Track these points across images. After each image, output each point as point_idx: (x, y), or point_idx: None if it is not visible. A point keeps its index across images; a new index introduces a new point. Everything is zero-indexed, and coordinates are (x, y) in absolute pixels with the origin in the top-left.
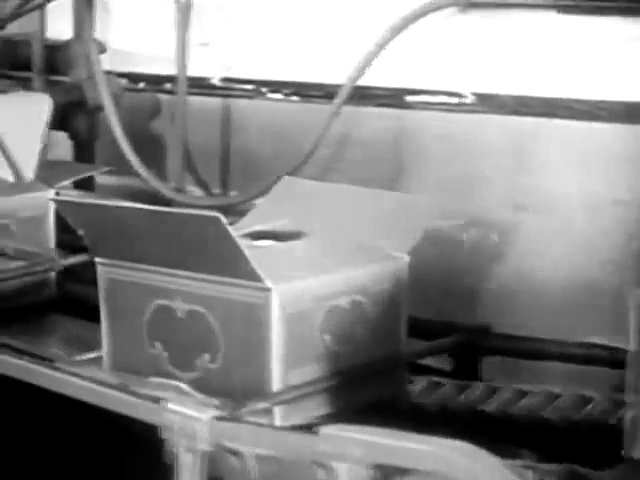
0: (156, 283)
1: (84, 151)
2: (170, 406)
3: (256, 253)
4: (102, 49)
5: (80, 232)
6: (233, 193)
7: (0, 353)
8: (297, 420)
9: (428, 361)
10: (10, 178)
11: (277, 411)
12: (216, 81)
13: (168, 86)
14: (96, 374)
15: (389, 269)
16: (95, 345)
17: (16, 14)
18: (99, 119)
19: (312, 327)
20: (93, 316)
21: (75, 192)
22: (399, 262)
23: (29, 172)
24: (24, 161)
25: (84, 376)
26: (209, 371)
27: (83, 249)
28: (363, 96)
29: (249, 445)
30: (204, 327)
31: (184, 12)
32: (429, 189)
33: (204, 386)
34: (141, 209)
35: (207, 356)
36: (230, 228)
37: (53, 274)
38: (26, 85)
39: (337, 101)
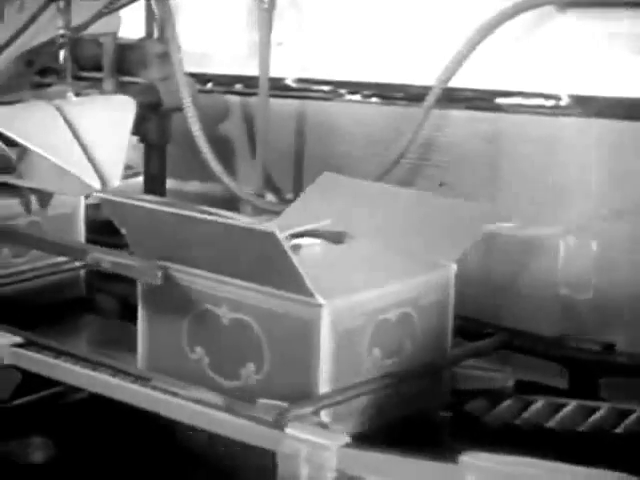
0: (201, 288)
1: (155, 155)
2: (293, 433)
3: (304, 261)
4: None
5: (122, 231)
6: None
7: (83, 367)
8: (344, 429)
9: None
10: (97, 186)
11: (324, 416)
12: (291, 82)
13: (238, 87)
14: (199, 394)
15: (437, 279)
16: (127, 345)
17: (98, 15)
18: (171, 122)
19: (361, 342)
20: (123, 315)
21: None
22: (447, 271)
23: (115, 180)
24: (110, 168)
25: (186, 396)
26: (253, 381)
27: (112, 246)
28: (450, 98)
29: (379, 474)
30: (249, 337)
31: (267, 12)
32: (523, 195)
33: (246, 396)
34: (195, 218)
35: (252, 366)
36: (286, 244)
37: (82, 272)
38: (96, 86)
39: (427, 103)
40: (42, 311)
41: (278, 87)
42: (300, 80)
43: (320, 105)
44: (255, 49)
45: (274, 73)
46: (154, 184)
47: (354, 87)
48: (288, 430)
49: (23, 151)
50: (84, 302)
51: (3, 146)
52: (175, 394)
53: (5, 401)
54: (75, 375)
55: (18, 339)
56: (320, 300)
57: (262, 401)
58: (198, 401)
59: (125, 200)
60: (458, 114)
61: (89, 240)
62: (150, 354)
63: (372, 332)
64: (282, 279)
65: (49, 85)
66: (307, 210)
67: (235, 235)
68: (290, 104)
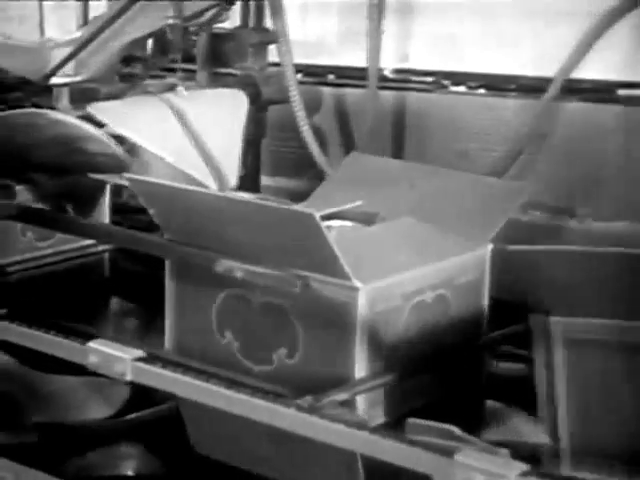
0: (232, 270)
1: (250, 150)
2: (466, 460)
3: (338, 243)
4: (273, 39)
5: (151, 211)
6: None
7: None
8: (380, 414)
9: None
10: (213, 185)
11: (359, 403)
12: (389, 72)
13: (331, 78)
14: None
15: (472, 259)
16: (154, 329)
17: (205, 9)
18: (267, 115)
19: (397, 324)
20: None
21: None
22: (482, 251)
23: (232, 178)
24: (226, 166)
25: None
26: (285, 366)
27: (136, 229)
28: (566, 90)
29: None
30: (282, 320)
31: (377, 6)
32: None
33: (279, 381)
34: (227, 197)
35: (284, 351)
36: (323, 227)
37: (107, 255)
38: (189, 78)
39: (549, 95)
40: (67, 295)
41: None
42: (399, 71)
43: (420, 97)
44: (346, 38)
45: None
46: (248, 180)
47: (460, 78)
48: (458, 457)
49: (132, 150)
50: (109, 285)
51: (114, 145)
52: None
53: (112, 417)
54: (205, 392)
55: (140, 353)
56: (357, 283)
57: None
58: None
59: (155, 180)
60: (572, 106)
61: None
62: (178, 338)
63: (408, 314)
64: (318, 262)
65: (134, 76)
66: (336, 192)
67: (269, 216)
68: (387, 96)
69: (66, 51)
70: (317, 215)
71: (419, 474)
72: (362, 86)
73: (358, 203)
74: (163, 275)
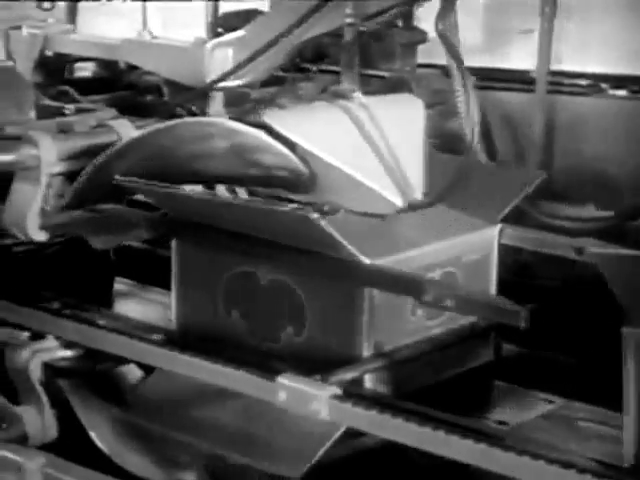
0: (238, 248)
1: None
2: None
3: (348, 222)
4: (423, 39)
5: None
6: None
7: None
8: (388, 391)
9: None
10: (396, 198)
11: (367, 381)
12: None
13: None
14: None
15: (481, 239)
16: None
17: (381, 12)
18: None
19: (405, 303)
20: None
21: None
22: (490, 231)
23: (417, 191)
24: (410, 176)
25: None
26: (292, 344)
27: None
28: None
29: None
30: (289, 298)
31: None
32: None
33: (287, 358)
34: (230, 203)
35: (291, 329)
36: (325, 226)
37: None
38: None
39: None
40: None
41: (524, 80)
42: (552, 73)
43: (574, 101)
44: (483, 38)
45: (519, 65)
46: None
47: (619, 81)
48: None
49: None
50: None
51: (296, 159)
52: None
53: None
54: (422, 436)
55: (335, 389)
56: (364, 260)
57: None
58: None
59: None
60: None
61: None
62: (184, 317)
63: None
64: (322, 243)
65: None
66: None
67: (270, 218)
68: (536, 99)
69: (226, 52)
70: (314, 216)
71: None
72: (512, 89)
73: None
74: None
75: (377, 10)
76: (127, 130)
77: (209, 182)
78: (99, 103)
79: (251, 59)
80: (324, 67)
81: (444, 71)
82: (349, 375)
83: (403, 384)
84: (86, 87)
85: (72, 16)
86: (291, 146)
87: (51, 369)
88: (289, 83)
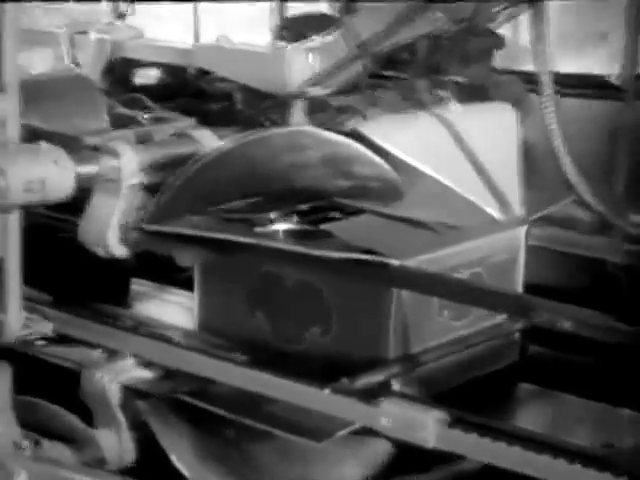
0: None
1: None
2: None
3: (374, 221)
4: (501, 44)
5: None
6: None
7: None
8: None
9: None
10: (495, 213)
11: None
12: (615, 79)
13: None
14: None
15: (507, 239)
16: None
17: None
18: None
19: (431, 302)
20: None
21: None
22: (517, 232)
23: (515, 205)
24: (508, 191)
25: None
26: (318, 345)
27: None
28: None
29: None
30: (315, 299)
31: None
32: None
33: (312, 360)
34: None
35: (317, 330)
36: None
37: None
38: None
39: None
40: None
41: (598, 85)
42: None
43: None
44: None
45: (592, 69)
46: None
47: None
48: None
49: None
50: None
51: (390, 170)
52: None
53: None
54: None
55: (443, 415)
56: (391, 261)
57: None
58: None
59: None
60: None
61: None
62: (207, 318)
63: None
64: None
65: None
66: None
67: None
68: (609, 106)
69: (309, 58)
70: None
71: None
72: (584, 95)
73: None
74: None
75: (469, 15)
76: (208, 140)
77: (297, 195)
78: (171, 111)
79: (340, 66)
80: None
81: (522, 77)
82: (376, 378)
83: (430, 386)
84: (151, 94)
85: (120, 20)
86: (384, 156)
87: (129, 390)
88: (366, 90)
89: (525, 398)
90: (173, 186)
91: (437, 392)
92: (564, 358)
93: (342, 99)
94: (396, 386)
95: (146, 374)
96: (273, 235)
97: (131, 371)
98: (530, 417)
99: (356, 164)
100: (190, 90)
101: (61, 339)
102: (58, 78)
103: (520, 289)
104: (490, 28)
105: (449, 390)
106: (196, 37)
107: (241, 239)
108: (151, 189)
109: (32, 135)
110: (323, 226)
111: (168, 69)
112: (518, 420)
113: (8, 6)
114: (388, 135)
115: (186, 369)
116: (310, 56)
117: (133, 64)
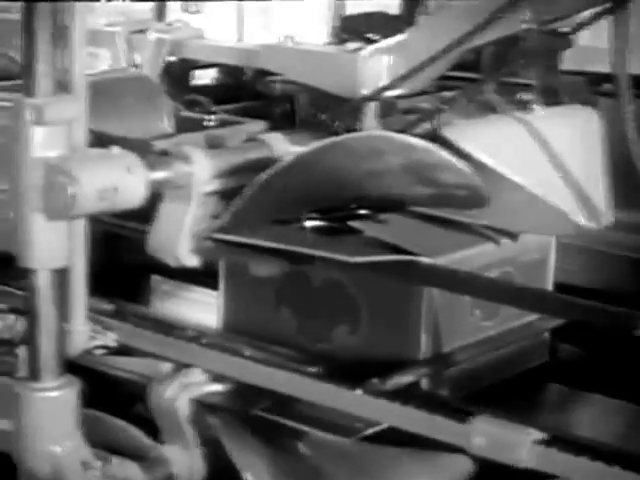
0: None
1: None
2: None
3: (408, 221)
4: (568, 44)
5: None
6: None
7: None
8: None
9: None
10: (583, 220)
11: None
12: None
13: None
14: None
15: (538, 239)
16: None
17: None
18: None
19: (462, 303)
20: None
21: None
22: None
23: (606, 212)
24: (595, 197)
25: None
26: (346, 344)
27: None
28: None
29: None
30: (343, 297)
31: None
32: None
33: (339, 359)
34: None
35: (345, 328)
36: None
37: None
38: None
39: None
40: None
41: None
42: None
43: None
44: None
45: None
46: None
47: None
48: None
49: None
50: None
51: (475, 176)
52: None
53: None
54: None
55: (539, 435)
56: (423, 259)
57: None
58: None
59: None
60: None
61: None
62: (232, 316)
63: None
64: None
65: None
66: None
67: None
68: None
69: (384, 60)
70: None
71: None
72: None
73: None
74: None
75: (558, 15)
76: (281, 145)
77: (374, 203)
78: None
79: (420, 68)
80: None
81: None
82: (406, 378)
83: (460, 387)
84: (208, 96)
85: (161, 17)
86: (469, 162)
87: (199, 404)
88: (432, 92)
89: (557, 399)
90: (247, 193)
91: (466, 394)
92: (596, 358)
93: (408, 101)
94: (425, 386)
95: (217, 387)
96: (301, 232)
97: (201, 384)
98: (568, 420)
99: (439, 170)
100: (247, 92)
101: (124, 351)
102: (120, 79)
103: (550, 288)
104: (555, 28)
105: (478, 391)
106: (240, 36)
107: (316, 252)
108: (223, 196)
109: (96, 139)
110: (352, 223)
111: (224, 70)
112: (559, 423)
113: (79, 5)
114: (473, 140)
115: (261, 384)
116: (385, 58)
117: (190, 64)
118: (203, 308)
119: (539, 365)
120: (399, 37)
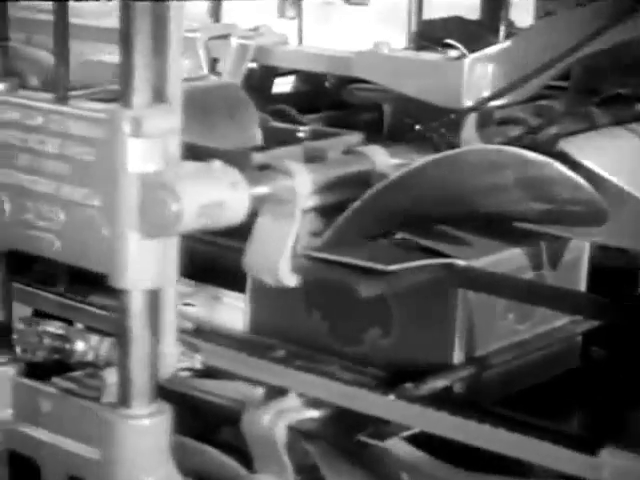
0: None
1: None
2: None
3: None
4: None
5: None
6: None
7: None
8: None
9: None
10: None
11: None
12: None
13: None
14: None
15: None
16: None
17: None
18: None
19: (496, 306)
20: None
21: None
22: None
23: None
24: None
25: None
26: (379, 346)
27: None
28: None
29: None
30: (375, 299)
31: None
32: None
33: (371, 362)
34: None
35: (377, 330)
36: None
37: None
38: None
39: None
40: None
41: None
42: None
43: None
44: None
45: None
46: None
47: None
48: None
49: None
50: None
51: (592, 191)
52: None
53: None
54: None
55: None
56: (455, 260)
57: None
58: None
59: None
60: None
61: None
62: (260, 318)
63: None
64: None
65: None
66: None
67: None
68: None
69: (488, 69)
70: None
71: None
72: None
73: None
74: None
75: None
76: (382, 158)
77: (479, 220)
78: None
79: (527, 77)
80: None
81: None
82: (441, 383)
83: (494, 391)
84: (290, 105)
85: (216, 17)
86: (587, 177)
87: (295, 431)
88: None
89: (591, 405)
90: (351, 209)
91: (497, 399)
92: (629, 362)
93: (503, 110)
94: (458, 389)
95: (314, 413)
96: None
97: (298, 410)
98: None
99: (557, 186)
100: (327, 100)
101: (210, 373)
102: (207, 87)
103: (584, 289)
104: None
105: (508, 397)
106: (300, 39)
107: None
108: (324, 212)
109: (188, 151)
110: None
111: (302, 77)
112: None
113: (173, 4)
114: (594, 154)
115: (362, 410)
116: (492, 66)
117: (272, 72)
118: (229, 311)
119: (570, 370)
120: (503, 44)
